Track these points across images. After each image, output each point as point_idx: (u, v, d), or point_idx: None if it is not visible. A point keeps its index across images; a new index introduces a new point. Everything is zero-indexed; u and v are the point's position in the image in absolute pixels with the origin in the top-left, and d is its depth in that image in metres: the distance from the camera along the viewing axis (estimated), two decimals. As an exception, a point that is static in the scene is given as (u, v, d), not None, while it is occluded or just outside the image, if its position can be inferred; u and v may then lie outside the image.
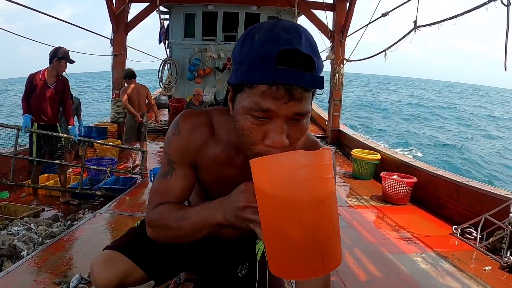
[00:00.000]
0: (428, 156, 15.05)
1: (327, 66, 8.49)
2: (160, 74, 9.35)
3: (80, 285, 2.02)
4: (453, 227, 3.67)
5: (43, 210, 4.34)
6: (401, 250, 3.25)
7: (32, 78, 4.31)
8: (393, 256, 3.10)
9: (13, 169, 4.37)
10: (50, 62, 4.38)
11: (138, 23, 8.24)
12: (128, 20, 8.08)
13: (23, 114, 4.34)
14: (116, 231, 3.03)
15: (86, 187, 4.88)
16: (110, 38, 7.95)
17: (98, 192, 4.76)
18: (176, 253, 1.33)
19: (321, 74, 0.88)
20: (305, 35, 0.87)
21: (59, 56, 4.33)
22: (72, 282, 2.03)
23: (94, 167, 5.17)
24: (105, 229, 3.06)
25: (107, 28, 8.09)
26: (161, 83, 9.49)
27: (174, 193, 1.15)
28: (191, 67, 9.28)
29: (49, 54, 4.38)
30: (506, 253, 3.00)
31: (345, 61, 7.89)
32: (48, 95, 4.39)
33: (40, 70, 4.38)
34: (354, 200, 4.71)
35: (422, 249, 3.27)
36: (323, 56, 8.31)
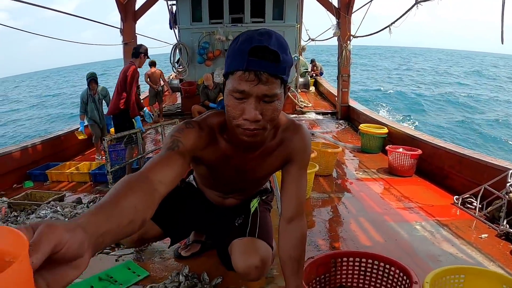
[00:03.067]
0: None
1: (334, 43, 8.55)
2: (172, 58, 9.53)
3: (105, 249, 2.27)
4: (455, 197, 3.81)
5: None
6: (403, 218, 3.43)
7: (137, 73, 4.79)
8: (395, 224, 3.29)
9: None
10: (137, 57, 4.83)
11: (146, 10, 8.38)
12: (136, 8, 8.23)
13: (136, 115, 4.86)
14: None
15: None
16: (119, 27, 8.12)
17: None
18: (187, 215, 1.58)
19: (289, 67, 1.17)
20: (276, 37, 1.14)
21: (146, 53, 4.93)
22: None
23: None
24: None
25: (115, 16, 8.26)
26: (173, 68, 9.69)
27: (167, 166, 1.16)
28: (200, 51, 9.40)
29: (135, 50, 4.88)
30: (503, 222, 3.13)
31: (351, 37, 7.94)
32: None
33: (132, 66, 4.78)
34: (361, 173, 4.87)
35: (423, 218, 3.43)
36: (330, 33, 8.38)
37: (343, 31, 7.99)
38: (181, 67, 9.58)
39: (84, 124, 6.21)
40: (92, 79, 5.91)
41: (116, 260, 2.11)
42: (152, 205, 1.01)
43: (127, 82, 4.76)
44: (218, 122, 1.38)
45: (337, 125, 8.11)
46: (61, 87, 47.25)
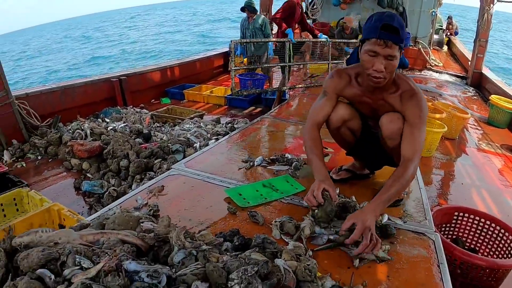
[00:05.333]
0: None
1: (476, 4, 8.05)
2: (306, -1, 9.68)
3: (263, 164, 2.71)
4: None
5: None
6: (519, 198, 3.55)
7: (294, 4, 5.49)
8: (511, 201, 3.44)
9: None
10: None
11: None
12: None
13: (285, 30, 5.44)
14: (279, 131, 3.69)
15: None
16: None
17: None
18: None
19: (405, 39, 1.82)
20: (397, 18, 1.80)
21: None
22: (256, 161, 2.72)
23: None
24: (270, 129, 3.72)
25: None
26: (307, 8, 9.84)
27: (323, 110, 2.17)
28: (337, -8, 9.42)
29: None
30: None
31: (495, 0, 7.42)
32: (299, 15, 5.68)
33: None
34: (484, 145, 4.91)
35: (540, 202, 3.50)
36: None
37: (488, -8, 7.47)
38: (314, 7, 9.70)
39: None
40: (244, 6, 6.31)
41: (274, 173, 2.58)
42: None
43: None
44: (355, 72, 2.09)
45: (464, 91, 7.85)
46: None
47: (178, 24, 40.23)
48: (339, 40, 6.76)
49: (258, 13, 6.55)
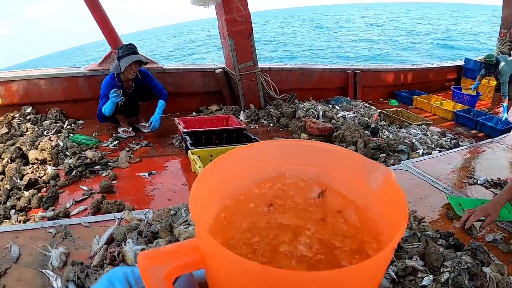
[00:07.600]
0: None
1: None
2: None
3: (485, 184, 3.02)
4: None
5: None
6: None
7: None
8: None
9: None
10: None
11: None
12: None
13: None
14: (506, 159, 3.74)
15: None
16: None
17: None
18: None
19: None
20: None
21: None
22: (480, 180, 3.02)
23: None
24: (498, 154, 3.80)
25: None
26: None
27: None
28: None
29: None
30: None
31: None
32: None
33: None
34: None
35: None
36: None
37: None
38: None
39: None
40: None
41: (493, 196, 2.83)
42: None
43: None
44: None
45: None
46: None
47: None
48: None
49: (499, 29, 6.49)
